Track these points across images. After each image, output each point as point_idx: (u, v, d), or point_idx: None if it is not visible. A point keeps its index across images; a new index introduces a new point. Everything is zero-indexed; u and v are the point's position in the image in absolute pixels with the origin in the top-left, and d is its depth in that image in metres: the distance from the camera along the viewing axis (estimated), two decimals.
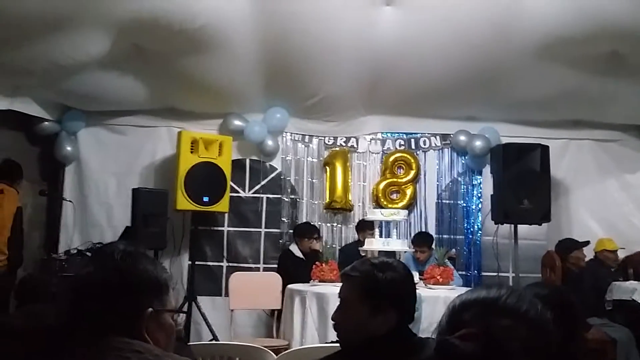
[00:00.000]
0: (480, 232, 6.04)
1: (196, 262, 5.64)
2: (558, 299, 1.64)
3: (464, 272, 5.84)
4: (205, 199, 5.44)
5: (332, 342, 2.10)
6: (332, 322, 1.90)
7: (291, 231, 5.86)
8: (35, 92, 5.30)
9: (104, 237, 5.50)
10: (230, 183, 5.64)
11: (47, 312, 1.80)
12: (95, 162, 5.86)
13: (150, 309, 1.36)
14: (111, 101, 5.62)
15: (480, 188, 6.11)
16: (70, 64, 4.70)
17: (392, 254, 4.88)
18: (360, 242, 5.45)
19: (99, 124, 5.92)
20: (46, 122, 5.68)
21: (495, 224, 5.50)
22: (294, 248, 5.56)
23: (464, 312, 1.09)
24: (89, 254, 4.96)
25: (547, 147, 5.38)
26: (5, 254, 4.58)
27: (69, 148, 5.80)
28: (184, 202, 5.34)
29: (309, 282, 4.71)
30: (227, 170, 5.60)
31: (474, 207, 6.12)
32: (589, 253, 5.41)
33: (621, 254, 5.47)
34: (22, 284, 2.39)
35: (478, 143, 5.92)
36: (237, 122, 5.87)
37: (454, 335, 1.05)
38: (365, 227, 5.52)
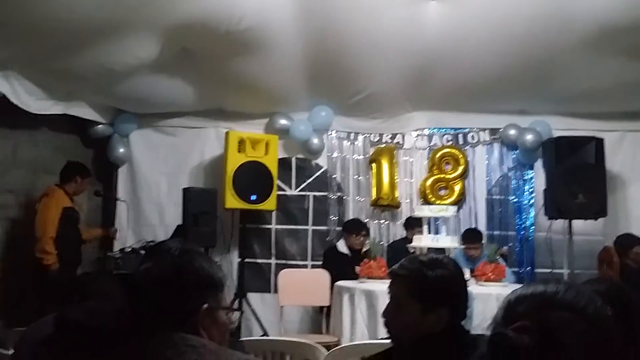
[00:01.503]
0: (532, 228, 5.88)
1: (245, 260, 5.72)
2: (617, 296, 1.58)
3: (516, 269, 5.70)
4: (253, 197, 5.51)
5: (383, 338, 2.08)
6: (383, 319, 1.88)
7: (338, 228, 5.87)
8: (89, 96, 5.48)
9: (157, 235, 5.64)
10: (277, 181, 5.70)
11: (104, 309, 1.85)
12: (146, 163, 6.03)
13: (205, 305, 1.39)
14: (161, 103, 5.76)
15: (532, 183, 5.94)
16: (122, 69, 4.83)
17: (441, 250, 4.82)
18: (408, 239, 5.40)
19: (150, 126, 6.07)
20: (99, 125, 5.87)
21: (549, 219, 5.35)
22: (341, 244, 5.56)
23: (520, 305, 1.07)
24: (143, 252, 5.09)
25: (602, 139, 5.20)
26: (52, 253, 4.73)
27: (121, 150, 5.98)
28: (232, 201, 5.43)
29: (355, 279, 4.70)
30: (274, 169, 5.66)
31: (525, 202, 5.96)
32: None
33: None
34: (79, 281, 2.47)
35: (529, 137, 5.77)
36: (283, 121, 5.92)
37: (509, 327, 1.03)
38: (414, 224, 5.47)
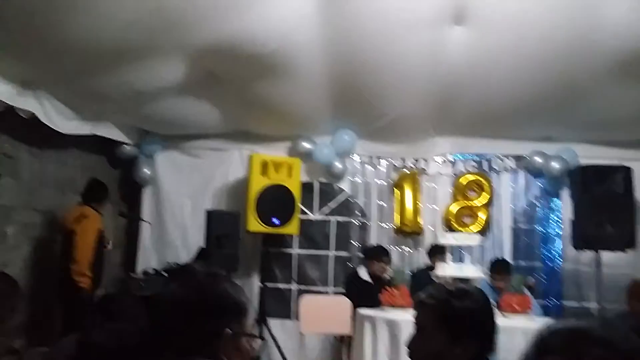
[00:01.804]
0: (559, 258, 5.76)
1: (266, 284, 5.68)
2: None
3: (543, 301, 5.56)
4: (275, 221, 5.49)
5: None
6: (407, 349, 1.83)
7: (361, 254, 5.81)
8: (116, 117, 5.55)
9: (179, 257, 5.64)
10: (299, 205, 5.68)
11: (126, 331, 1.84)
12: (171, 184, 6.07)
13: (228, 331, 1.36)
14: (186, 125, 5.81)
15: (559, 212, 5.83)
16: (149, 90, 4.90)
17: (465, 280, 4.73)
18: (432, 267, 5.31)
19: (175, 148, 6.13)
20: (126, 146, 5.95)
21: (576, 250, 5.22)
22: (362, 271, 5.49)
23: (552, 340, 1.03)
24: (165, 273, 5.09)
25: (630, 168, 5.09)
26: (89, 277, 4.76)
27: (147, 171, 6.04)
28: (255, 224, 5.42)
29: (377, 307, 4.62)
30: (297, 192, 5.65)
31: (552, 232, 5.85)
32: None
33: None
34: (102, 302, 2.46)
35: (555, 164, 5.68)
36: (306, 145, 5.93)
37: None
38: (437, 251, 5.39)
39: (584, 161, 5.51)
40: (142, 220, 5.94)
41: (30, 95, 4.45)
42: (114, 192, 6.04)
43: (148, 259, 5.76)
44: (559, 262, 5.77)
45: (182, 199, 6.02)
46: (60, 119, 4.82)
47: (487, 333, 1.82)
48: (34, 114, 4.48)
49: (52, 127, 4.72)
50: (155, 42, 4.25)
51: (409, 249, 5.98)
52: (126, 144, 5.93)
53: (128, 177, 6.11)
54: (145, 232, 5.94)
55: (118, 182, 6.17)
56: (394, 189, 6.04)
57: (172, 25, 4.07)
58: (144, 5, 3.69)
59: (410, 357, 1.83)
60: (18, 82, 4.30)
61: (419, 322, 1.84)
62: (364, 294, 5.05)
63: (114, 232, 5.91)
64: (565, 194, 5.65)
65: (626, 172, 5.06)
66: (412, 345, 1.82)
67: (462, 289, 1.84)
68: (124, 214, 5.88)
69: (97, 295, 4.42)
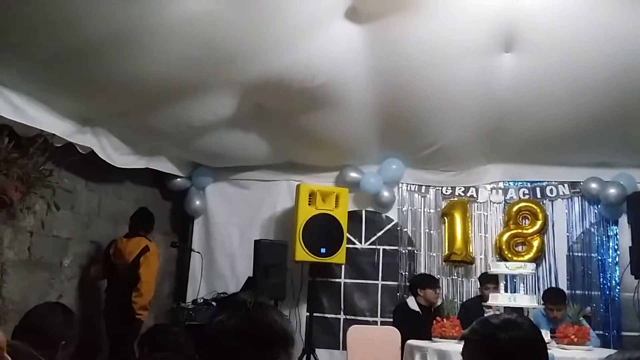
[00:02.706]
0: (618, 287, 5.49)
1: (314, 314, 5.67)
2: None
3: (601, 332, 5.31)
4: (323, 250, 5.50)
5: None
6: None
7: (409, 284, 5.72)
8: (169, 151, 5.73)
9: (228, 287, 5.72)
10: (346, 234, 5.67)
11: (174, 359, 1.88)
12: (220, 215, 6.20)
13: None
14: (236, 158, 5.95)
15: (617, 239, 5.60)
16: (200, 125, 5.05)
17: (519, 310, 4.58)
18: (483, 297, 5.18)
19: (225, 179, 6.27)
20: (178, 179, 6.13)
21: (636, 278, 4.97)
22: (411, 301, 5.40)
23: None
24: (214, 303, 5.15)
25: None
26: (149, 310, 4.86)
27: (197, 202, 6.19)
28: (302, 253, 5.44)
29: (426, 337, 4.52)
30: (344, 222, 5.65)
31: (610, 260, 5.60)
32: None
33: None
34: (151, 332, 2.52)
35: (612, 191, 5.48)
36: (353, 174, 5.95)
37: None
38: (488, 280, 5.26)
39: None
40: (192, 250, 6.06)
41: (89, 132, 4.65)
42: (165, 223, 6.22)
43: (197, 289, 5.84)
44: (617, 290, 5.51)
45: (231, 229, 6.12)
46: (116, 154, 5.00)
47: None
48: (91, 149, 4.68)
49: (109, 161, 4.90)
50: (207, 78, 4.39)
51: (460, 278, 5.85)
52: (178, 176, 6.10)
53: (179, 209, 6.27)
54: (195, 262, 6.05)
55: (170, 213, 6.34)
56: (443, 217, 5.96)
57: (223, 61, 4.21)
58: (196, 42, 3.83)
59: None
60: (77, 119, 4.50)
61: (465, 358, 1.80)
62: (413, 325, 4.97)
63: (166, 263, 6.06)
64: (623, 220, 5.43)
65: None
66: None
67: (507, 319, 1.79)
68: (175, 244, 6.01)
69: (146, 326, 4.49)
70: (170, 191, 6.24)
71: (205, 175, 6.23)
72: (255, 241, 5.49)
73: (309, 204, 5.59)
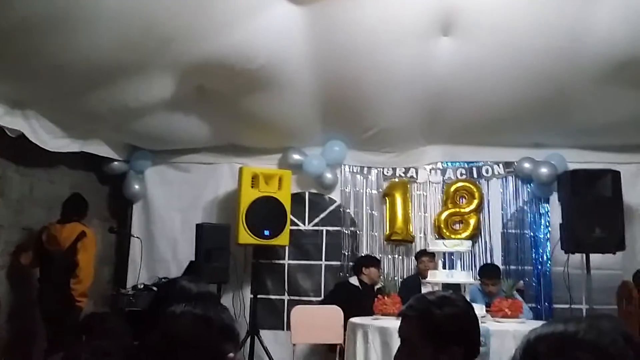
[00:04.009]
0: (549, 262, 5.77)
1: (258, 296, 5.68)
2: (629, 333, 1.52)
3: (533, 305, 5.58)
4: (266, 232, 5.50)
5: None
6: None
7: (352, 263, 5.82)
8: (105, 134, 5.57)
9: (170, 271, 5.64)
10: (290, 216, 5.69)
11: (110, 348, 1.84)
12: (161, 199, 6.08)
13: (231, 355, 1.41)
14: (176, 140, 5.83)
15: (548, 217, 5.86)
16: (138, 107, 4.92)
17: (456, 286, 4.75)
18: (421, 273, 5.34)
19: (165, 163, 6.15)
20: (115, 162, 5.96)
21: (566, 253, 5.24)
22: (353, 279, 5.51)
23: (540, 345, 1.03)
24: (155, 288, 5.07)
25: (618, 172, 5.13)
26: (88, 297, 4.75)
27: (136, 186, 6.05)
28: (245, 236, 5.43)
29: (365, 313, 4.63)
30: (287, 204, 5.66)
31: (542, 236, 5.87)
32: None
33: None
34: (87, 320, 2.47)
35: (544, 170, 5.72)
36: (296, 156, 5.95)
37: None
38: (421, 254, 5.47)
39: (573, 166, 5.54)
40: (132, 235, 5.93)
41: (19, 115, 4.47)
42: (103, 208, 6.05)
43: (138, 275, 5.73)
44: (548, 265, 5.78)
45: (172, 214, 6.02)
46: (49, 137, 4.83)
47: (470, 338, 1.83)
48: (22, 133, 4.48)
49: (41, 145, 4.72)
50: (145, 60, 4.28)
51: (400, 257, 5.99)
52: (115, 160, 5.94)
53: (117, 194, 6.10)
54: (135, 247, 5.93)
55: (107, 198, 6.17)
56: (384, 197, 6.07)
57: (161, 43, 4.11)
58: (133, 24, 3.72)
59: None
60: (6, 101, 4.31)
61: (403, 334, 1.85)
62: (353, 301, 5.06)
63: (104, 249, 5.91)
64: (554, 198, 5.68)
65: (614, 175, 5.10)
66: (400, 359, 1.83)
67: (442, 296, 1.86)
68: (113, 229, 5.86)
69: (84, 313, 4.39)
70: (107, 175, 6.06)
71: (143, 159, 6.08)
72: (197, 225, 5.43)
73: (252, 187, 5.56)
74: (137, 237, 5.91)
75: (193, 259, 5.39)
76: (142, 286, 5.29)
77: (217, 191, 6.07)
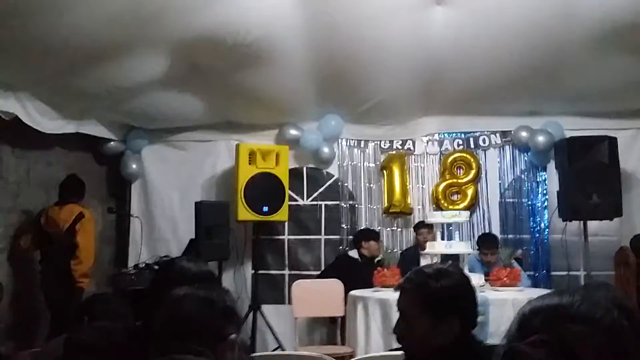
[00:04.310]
0: (547, 230, 5.81)
1: (259, 271, 5.73)
2: (624, 302, 1.54)
3: (532, 273, 5.63)
4: (265, 208, 5.52)
5: (397, 349, 2.07)
6: (395, 336, 1.87)
7: (351, 237, 5.85)
8: (100, 114, 5.54)
9: (170, 250, 5.67)
10: (288, 192, 5.70)
11: (113, 329, 1.87)
12: (159, 178, 6.07)
13: (234, 335, 1.44)
14: (172, 118, 5.81)
15: (546, 185, 5.87)
16: (132, 86, 4.90)
17: (455, 256, 4.79)
18: (420, 245, 5.38)
19: (161, 141, 6.13)
20: (111, 142, 5.93)
21: (563, 221, 5.28)
22: (353, 252, 5.56)
23: (535, 319, 1.04)
24: (157, 267, 5.11)
25: (615, 138, 5.13)
26: (90, 277, 4.78)
27: (134, 166, 6.04)
28: (244, 213, 5.44)
29: (365, 285, 4.68)
30: (285, 180, 5.67)
31: (539, 204, 5.88)
32: None
33: None
34: (89, 301, 2.49)
35: (541, 138, 5.71)
36: (293, 132, 5.93)
37: (524, 342, 1.01)
38: (420, 226, 5.52)
39: (570, 134, 5.53)
40: (131, 215, 5.94)
41: (12, 97, 4.44)
42: (101, 188, 6.06)
43: (139, 254, 5.76)
44: (546, 233, 5.82)
45: (171, 192, 6.02)
46: (44, 119, 4.81)
47: (467, 308, 1.86)
48: (16, 115, 4.46)
49: (35, 127, 4.70)
50: (136, 37, 4.24)
51: (399, 229, 6.02)
52: (112, 140, 5.92)
53: (115, 174, 6.10)
54: (135, 227, 5.95)
55: (105, 178, 6.17)
56: (382, 170, 6.07)
57: (152, 19, 4.06)
58: (122, 1, 3.66)
59: (398, 341, 1.87)
60: None
61: (401, 307, 1.88)
62: (353, 274, 5.10)
63: (104, 229, 5.93)
64: (552, 166, 5.69)
65: (611, 142, 5.10)
66: (399, 331, 1.86)
67: (439, 269, 1.88)
68: (112, 210, 5.88)
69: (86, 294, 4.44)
70: (104, 155, 6.04)
71: (140, 138, 6.06)
72: (196, 203, 5.44)
73: (250, 163, 5.56)
74: (136, 217, 5.93)
75: (193, 236, 5.41)
76: (143, 265, 5.32)
77: (214, 169, 6.07)
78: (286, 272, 5.95)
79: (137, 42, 4.34)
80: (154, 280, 2.14)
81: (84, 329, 1.89)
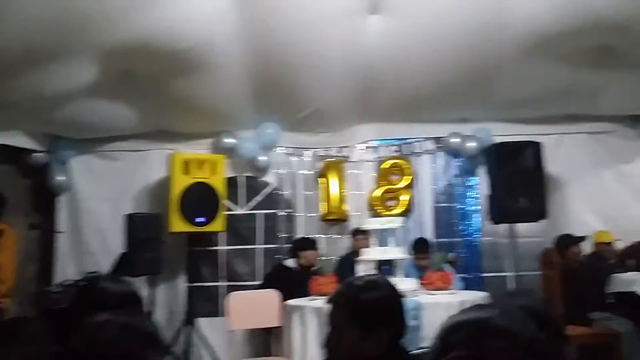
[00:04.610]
0: (478, 233, 5.99)
1: (193, 284, 5.60)
2: (539, 310, 1.60)
3: (464, 275, 5.77)
4: (200, 219, 5.41)
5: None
6: (325, 349, 1.87)
7: (288, 246, 5.83)
8: (24, 124, 5.32)
9: (100, 265, 5.46)
10: (224, 201, 5.62)
11: (37, 354, 1.78)
12: (88, 189, 5.85)
13: None
14: (102, 128, 5.62)
15: (476, 189, 6.06)
16: (58, 94, 4.72)
17: (390, 262, 4.85)
18: (355, 252, 5.43)
19: (90, 152, 5.91)
20: (36, 153, 5.68)
21: (493, 224, 5.46)
22: (289, 261, 5.53)
23: (455, 334, 1.06)
24: (84, 284, 4.90)
25: (540, 143, 5.35)
26: (10, 297, 4.55)
27: (60, 177, 5.79)
28: (178, 224, 5.32)
29: (303, 295, 4.66)
30: (221, 189, 5.58)
31: (470, 208, 6.06)
32: (589, 248, 5.37)
33: (620, 246, 5.42)
34: (11, 324, 2.35)
35: (471, 144, 5.89)
36: (229, 140, 5.86)
37: (445, 358, 1.03)
38: (356, 232, 5.56)
39: (498, 139, 5.71)
40: (55, 231, 5.67)
41: None
42: (25, 202, 5.77)
43: (66, 270, 5.52)
44: (477, 236, 6.00)
45: (101, 204, 5.80)
46: None
47: (396, 320, 1.88)
48: None
49: None
50: (63, 43, 4.10)
51: (337, 236, 6.05)
52: (37, 151, 5.66)
53: (41, 186, 5.83)
54: (62, 242, 5.70)
55: (30, 191, 5.88)
56: (319, 178, 6.09)
57: (80, 24, 3.93)
58: (49, 5, 3.51)
59: (328, 356, 1.87)
60: None
61: (332, 320, 1.87)
62: (290, 283, 5.07)
63: (28, 245, 5.65)
64: (482, 171, 5.87)
65: (536, 147, 5.32)
66: (329, 344, 1.86)
67: (368, 281, 1.89)
68: (35, 225, 5.61)
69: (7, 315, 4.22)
70: (28, 167, 5.77)
71: (67, 149, 5.82)
72: (127, 215, 5.26)
73: (184, 173, 5.44)
74: (60, 232, 5.67)
75: (124, 250, 5.23)
76: (69, 283, 5.09)
77: (147, 179, 5.89)
78: (222, 283, 5.84)
79: (64, 48, 4.18)
80: (73, 300, 2.05)
81: (7, 355, 1.78)
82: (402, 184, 6.04)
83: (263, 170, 6.00)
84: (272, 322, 4.91)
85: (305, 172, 6.13)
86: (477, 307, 1.11)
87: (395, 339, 1.84)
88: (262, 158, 5.91)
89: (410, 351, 1.91)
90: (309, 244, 5.57)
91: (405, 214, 5.91)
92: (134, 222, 5.18)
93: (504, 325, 1.03)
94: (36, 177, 5.86)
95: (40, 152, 5.70)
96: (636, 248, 5.40)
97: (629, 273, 5.08)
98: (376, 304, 1.81)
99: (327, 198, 5.99)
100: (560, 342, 1.59)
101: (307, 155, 6.16)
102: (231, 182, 5.88)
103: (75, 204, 5.82)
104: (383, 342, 1.78)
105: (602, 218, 5.77)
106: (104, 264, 5.41)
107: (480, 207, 5.97)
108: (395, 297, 1.90)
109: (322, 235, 5.99)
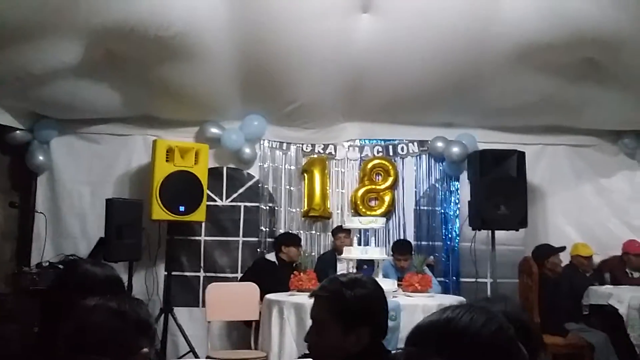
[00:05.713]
0: (458, 238, 6.04)
1: (172, 273, 5.55)
2: (517, 317, 1.62)
3: (442, 279, 5.83)
4: (182, 208, 5.36)
5: (306, 355, 2.07)
6: (306, 344, 1.86)
7: (269, 240, 5.80)
8: (6, 101, 5.20)
9: (78, 248, 5.39)
10: (207, 192, 5.57)
11: (8, 333, 1.75)
12: (68, 171, 5.75)
13: (145, 350, 1.39)
14: (85, 109, 5.53)
15: (458, 194, 6.11)
16: (42, 72, 4.62)
17: (370, 261, 4.87)
18: (337, 250, 5.43)
19: (73, 133, 5.81)
20: (17, 131, 5.56)
21: (473, 230, 5.50)
22: (271, 255, 5.51)
23: (424, 336, 1.07)
24: (61, 266, 4.83)
25: (523, 152, 5.41)
26: None
27: (41, 157, 5.68)
28: (159, 212, 5.26)
29: (283, 290, 4.66)
30: (204, 179, 5.53)
31: (451, 213, 6.12)
32: (565, 258, 5.44)
33: (597, 259, 5.51)
34: None
35: (455, 149, 5.93)
36: (214, 130, 5.82)
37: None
38: (338, 231, 5.56)
39: (482, 146, 5.78)
40: (35, 211, 5.57)
41: None
42: (4, 180, 5.66)
43: (42, 252, 5.42)
44: (457, 241, 6.05)
45: (81, 187, 5.70)
46: None
47: (379, 319, 1.88)
48: None
49: None
50: (49, 20, 4.01)
51: (318, 233, 6.05)
52: (17, 129, 5.54)
53: (20, 165, 5.71)
54: (40, 223, 5.59)
55: (9, 169, 5.76)
56: (303, 174, 6.08)
57: (68, 3, 3.84)
58: None
59: (309, 350, 1.86)
60: None
61: (314, 315, 1.87)
62: (270, 278, 5.06)
63: (5, 224, 5.54)
64: (464, 177, 5.91)
65: (519, 156, 5.37)
66: (310, 339, 1.86)
67: (353, 278, 1.90)
68: (14, 204, 5.50)
69: None
70: (8, 145, 5.64)
71: (49, 128, 5.71)
72: (107, 200, 5.17)
73: (167, 161, 5.37)
74: (40, 212, 5.57)
75: (103, 235, 5.16)
76: (47, 264, 5.01)
77: (129, 164, 5.82)
78: (201, 274, 5.80)
79: (50, 26, 4.10)
80: (55, 282, 2.01)
81: None
82: (385, 184, 6.06)
83: (247, 162, 5.97)
84: (251, 315, 4.90)
85: (289, 167, 6.11)
86: (443, 309, 1.13)
87: (376, 337, 1.84)
88: (246, 150, 5.88)
89: (389, 351, 1.91)
90: (293, 240, 5.55)
91: (387, 214, 5.93)
92: (114, 207, 5.10)
93: (467, 323, 1.05)
94: (16, 156, 5.74)
95: (22, 130, 5.58)
96: (613, 262, 5.50)
97: (605, 286, 5.17)
98: (360, 300, 1.82)
99: (310, 194, 5.98)
100: (537, 349, 1.61)
101: (292, 150, 6.14)
102: (214, 173, 5.83)
103: (55, 185, 5.72)
104: (363, 341, 1.79)
105: (581, 230, 5.88)
106: (82, 248, 5.35)
107: (460, 213, 6.01)
108: (378, 296, 1.91)
109: (304, 232, 5.98)
